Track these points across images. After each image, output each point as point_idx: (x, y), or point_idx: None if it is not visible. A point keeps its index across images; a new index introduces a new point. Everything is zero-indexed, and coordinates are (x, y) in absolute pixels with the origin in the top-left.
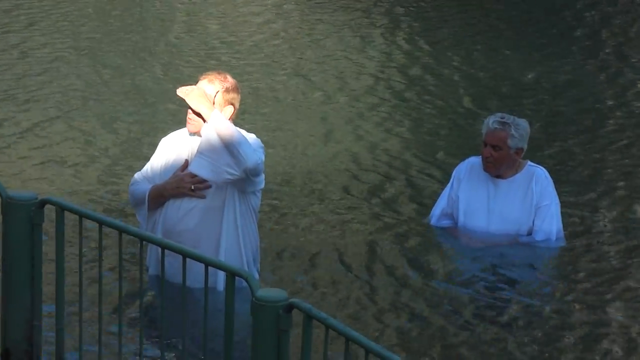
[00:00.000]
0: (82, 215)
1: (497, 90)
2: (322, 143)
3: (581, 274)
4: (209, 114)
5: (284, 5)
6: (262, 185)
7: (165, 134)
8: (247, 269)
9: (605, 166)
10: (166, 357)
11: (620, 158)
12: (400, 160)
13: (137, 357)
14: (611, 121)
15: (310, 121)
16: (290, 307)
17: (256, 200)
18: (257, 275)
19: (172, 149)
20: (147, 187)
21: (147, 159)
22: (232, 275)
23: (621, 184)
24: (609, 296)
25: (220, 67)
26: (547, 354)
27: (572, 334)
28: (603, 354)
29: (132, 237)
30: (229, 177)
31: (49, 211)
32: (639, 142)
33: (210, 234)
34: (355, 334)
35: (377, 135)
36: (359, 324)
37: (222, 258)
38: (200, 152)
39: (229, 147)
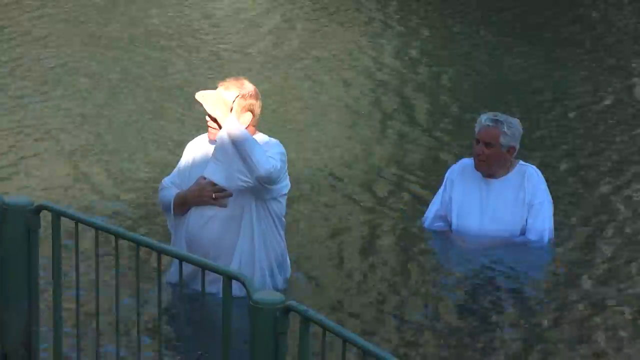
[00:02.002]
0: (78, 221)
1: (495, 92)
2: (315, 144)
3: (576, 273)
4: (225, 120)
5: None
6: (285, 192)
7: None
8: (264, 277)
9: (596, 163)
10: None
11: (610, 154)
12: (393, 163)
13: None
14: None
15: (302, 122)
16: (287, 310)
17: (279, 207)
18: (280, 284)
19: (196, 154)
20: (173, 194)
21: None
22: (228, 278)
23: (611, 179)
24: (604, 294)
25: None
26: (542, 353)
27: (568, 332)
28: (599, 351)
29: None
30: (242, 183)
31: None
32: (632, 138)
33: (229, 243)
34: (352, 335)
35: (371, 136)
36: (355, 326)
37: (236, 266)
38: (215, 158)
39: (241, 154)
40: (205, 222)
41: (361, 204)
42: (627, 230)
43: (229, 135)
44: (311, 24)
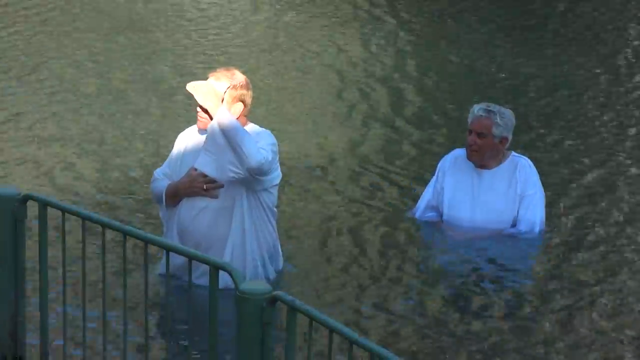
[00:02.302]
0: (64, 211)
1: (487, 84)
2: (305, 135)
3: (566, 264)
4: (216, 110)
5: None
6: (276, 182)
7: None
8: (256, 267)
9: (587, 155)
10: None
11: (600, 148)
12: (385, 153)
13: (121, 353)
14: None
15: (292, 113)
16: (273, 300)
17: (270, 197)
18: (272, 275)
19: (187, 145)
20: (164, 185)
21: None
22: (215, 269)
23: (604, 172)
24: (594, 285)
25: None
26: (532, 344)
27: (558, 323)
28: (583, 342)
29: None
30: (233, 175)
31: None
32: (621, 133)
33: (221, 234)
34: (339, 325)
35: (361, 128)
36: (343, 316)
37: (228, 258)
38: (206, 149)
39: (232, 145)
40: (197, 213)
41: (350, 195)
42: (615, 220)
43: (220, 126)
44: (300, 15)
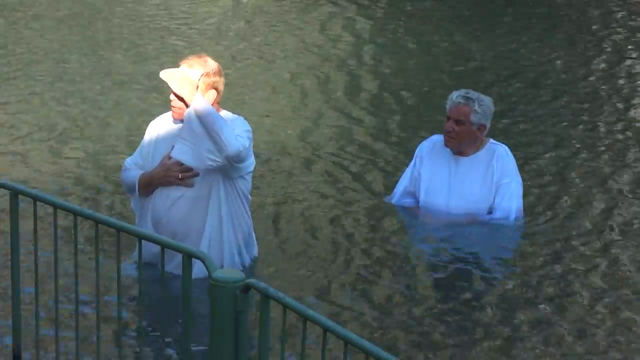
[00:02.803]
0: (36, 199)
1: (466, 71)
2: (284, 124)
3: (540, 251)
4: (191, 98)
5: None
6: (251, 169)
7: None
8: (233, 256)
9: (564, 145)
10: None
11: (581, 138)
12: (362, 140)
13: (95, 340)
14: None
15: (270, 102)
16: (247, 288)
17: (245, 184)
18: (247, 263)
19: (160, 134)
20: (136, 174)
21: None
22: (188, 257)
23: (579, 162)
24: (569, 272)
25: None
26: (508, 330)
27: (533, 310)
28: (566, 329)
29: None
30: (211, 163)
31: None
32: (600, 121)
33: (198, 223)
34: (312, 312)
35: (340, 115)
36: (319, 304)
37: (205, 247)
38: (182, 138)
39: (210, 133)
40: (172, 203)
41: (327, 182)
42: (591, 210)
43: (198, 114)
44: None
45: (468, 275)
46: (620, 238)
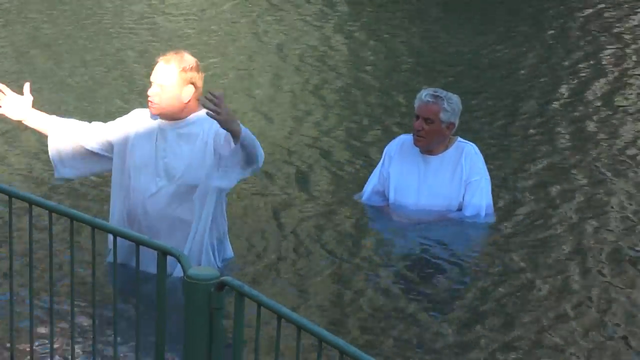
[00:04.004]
0: (11, 196)
1: (433, 69)
2: (254, 122)
3: (510, 248)
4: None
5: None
6: None
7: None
8: (209, 255)
9: (532, 143)
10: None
11: (546, 138)
12: (332, 139)
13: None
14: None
15: (239, 101)
16: (222, 285)
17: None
18: (221, 262)
19: (139, 130)
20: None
21: None
22: (163, 254)
23: (545, 160)
24: (539, 269)
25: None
26: (476, 329)
27: (501, 307)
28: (535, 327)
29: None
30: (237, 181)
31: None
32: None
33: (180, 222)
34: (286, 310)
35: (309, 114)
36: (291, 301)
37: (189, 245)
38: (224, 167)
39: (251, 157)
40: (151, 200)
41: (295, 182)
42: (560, 208)
43: (245, 141)
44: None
45: (439, 273)
46: (597, 225)
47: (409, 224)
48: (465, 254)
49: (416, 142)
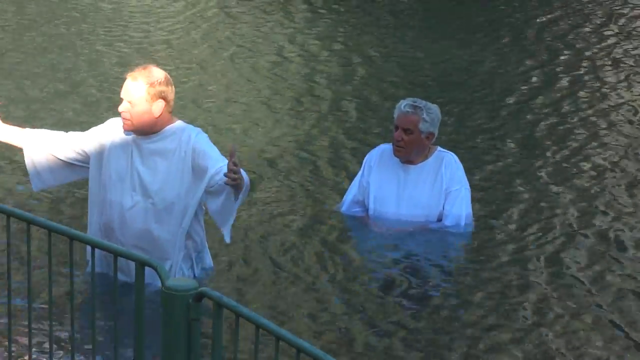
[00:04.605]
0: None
1: (411, 79)
2: (232, 132)
3: (490, 258)
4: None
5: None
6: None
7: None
8: (189, 267)
9: (512, 151)
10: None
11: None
12: (311, 148)
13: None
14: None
15: (214, 110)
16: (200, 296)
17: (204, 196)
18: (200, 272)
19: (114, 144)
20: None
21: None
22: (141, 264)
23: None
24: (518, 279)
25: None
26: (459, 335)
27: (480, 316)
28: (515, 337)
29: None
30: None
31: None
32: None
33: (160, 233)
34: (265, 321)
35: (288, 123)
36: (269, 312)
37: (170, 256)
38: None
39: (243, 200)
40: (134, 216)
41: (276, 191)
42: (536, 214)
43: (245, 191)
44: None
45: (420, 282)
46: (577, 232)
47: (389, 234)
48: (446, 263)
49: (396, 153)
